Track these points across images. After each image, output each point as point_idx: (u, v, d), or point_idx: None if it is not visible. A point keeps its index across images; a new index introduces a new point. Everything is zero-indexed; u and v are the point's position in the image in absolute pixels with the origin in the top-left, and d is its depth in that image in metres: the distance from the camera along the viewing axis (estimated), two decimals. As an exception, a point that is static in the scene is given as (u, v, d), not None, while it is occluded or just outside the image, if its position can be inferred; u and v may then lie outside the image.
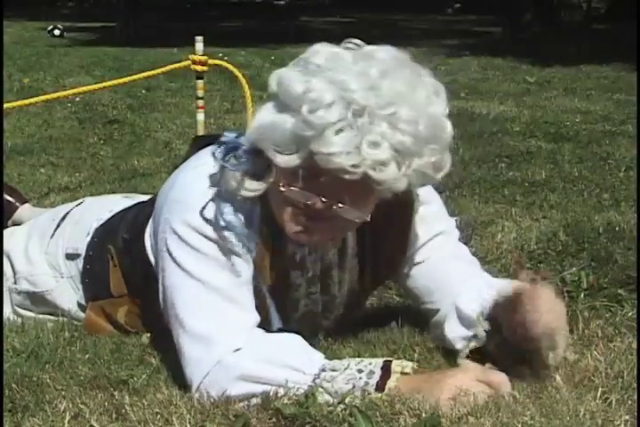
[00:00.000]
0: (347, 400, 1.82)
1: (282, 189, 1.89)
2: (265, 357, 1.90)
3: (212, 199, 1.98)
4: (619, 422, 1.80)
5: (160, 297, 2.05)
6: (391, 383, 1.86)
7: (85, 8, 21.02)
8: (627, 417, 1.81)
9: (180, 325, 1.98)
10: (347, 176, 1.82)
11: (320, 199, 1.88)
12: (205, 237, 1.97)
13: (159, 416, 1.83)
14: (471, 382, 1.87)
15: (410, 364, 1.93)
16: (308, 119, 1.80)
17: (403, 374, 1.89)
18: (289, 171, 1.88)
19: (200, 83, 4.57)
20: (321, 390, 1.85)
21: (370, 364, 1.90)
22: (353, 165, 1.80)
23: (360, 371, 1.88)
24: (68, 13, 19.36)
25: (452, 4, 22.24)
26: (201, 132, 4.62)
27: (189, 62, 4.51)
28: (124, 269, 2.29)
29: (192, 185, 2.01)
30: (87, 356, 2.17)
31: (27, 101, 4.36)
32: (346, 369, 1.88)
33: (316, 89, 1.81)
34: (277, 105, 1.88)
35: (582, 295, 2.57)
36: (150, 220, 2.18)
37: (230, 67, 4.78)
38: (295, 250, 2.10)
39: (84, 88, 4.95)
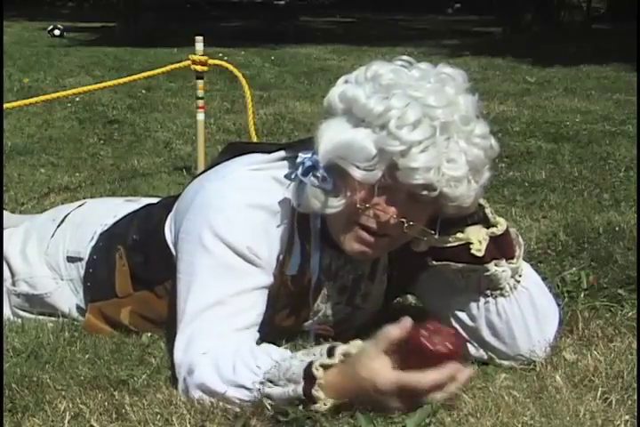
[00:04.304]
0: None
1: (358, 206, 1.92)
2: (219, 370, 1.88)
3: (240, 209, 2.01)
4: (619, 423, 1.80)
5: (174, 291, 2.08)
6: (315, 393, 1.77)
7: (85, 8, 20.99)
8: (627, 417, 1.82)
9: (179, 320, 2.01)
10: (424, 192, 1.88)
11: (392, 216, 1.92)
12: (224, 242, 1.99)
13: (159, 416, 1.84)
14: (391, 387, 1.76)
15: (338, 351, 1.81)
16: (396, 135, 1.84)
17: (326, 368, 1.78)
18: (365, 188, 1.91)
19: (200, 83, 4.56)
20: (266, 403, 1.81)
21: (294, 374, 1.79)
22: (432, 182, 1.85)
23: (289, 381, 1.80)
24: (68, 13, 19.33)
25: (452, 4, 22.21)
26: (201, 132, 4.62)
27: (189, 62, 4.50)
28: (133, 267, 2.29)
29: (222, 193, 2.04)
30: (87, 356, 2.17)
31: (27, 101, 4.36)
32: (280, 380, 1.80)
33: (398, 107, 1.86)
34: (351, 120, 1.91)
35: (582, 295, 2.57)
36: (169, 218, 2.22)
37: (230, 67, 4.78)
38: (331, 260, 2.13)
39: (84, 88, 4.95)
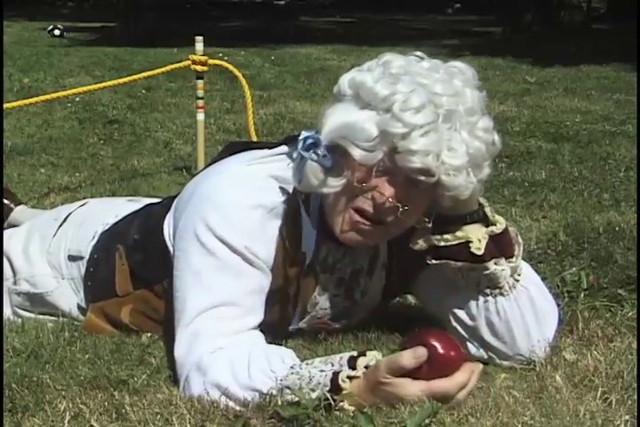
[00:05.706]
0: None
1: (355, 184, 1.93)
2: (234, 372, 1.88)
3: (238, 207, 2.01)
4: (619, 423, 1.80)
5: (171, 289, 2.08)
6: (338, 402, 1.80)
7: (85, 8, 20.98)
8: (627, 417, 1.82)
9: (177, 318, 2.01)
10: (422, 178, 1.88)
11: (388, 199, 1.92)
12: (222, 241, 2.00)
13: (159, 416, 1.84)
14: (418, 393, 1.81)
15: (360, 364, 1.84)
16: (399, 116, 1.86)
17: (350, 379, 1.82)
18: (364, 169, 1.92)
19: (200, 83, 4.57)
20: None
21: (319, 384, 1.82)
22: (430, 168, 1.86)
23: (313, 390, 1.82)
24: (68, 13, 19.32)
25: (452, 4, 22.19)
26: (201, 132, 4.62)
27: (189, 62, 4.51)
28: (132, 266, 2.30)
29: (219, 190, 2.04)
30: (87, 356, 2.17)
31: (27, 101, 4.36)
32: (301, 389, 1.82)
33: (403, 91, 1.87)
34: (357, 104, 1.93)
35: (582, 295, 2.57)
36: (168, 216, 2.21)
37: (230, 67, 4.78)
38: (329, 253, 2.12)
39: (84, 88, 4.95)
